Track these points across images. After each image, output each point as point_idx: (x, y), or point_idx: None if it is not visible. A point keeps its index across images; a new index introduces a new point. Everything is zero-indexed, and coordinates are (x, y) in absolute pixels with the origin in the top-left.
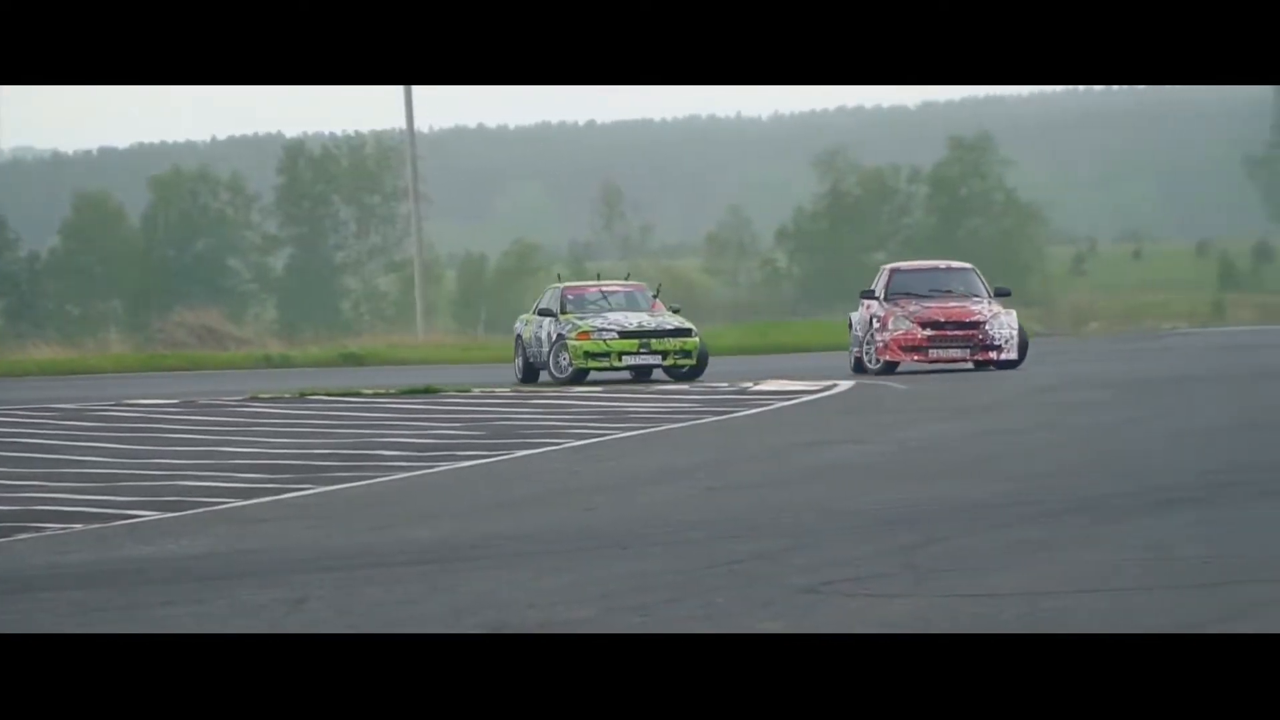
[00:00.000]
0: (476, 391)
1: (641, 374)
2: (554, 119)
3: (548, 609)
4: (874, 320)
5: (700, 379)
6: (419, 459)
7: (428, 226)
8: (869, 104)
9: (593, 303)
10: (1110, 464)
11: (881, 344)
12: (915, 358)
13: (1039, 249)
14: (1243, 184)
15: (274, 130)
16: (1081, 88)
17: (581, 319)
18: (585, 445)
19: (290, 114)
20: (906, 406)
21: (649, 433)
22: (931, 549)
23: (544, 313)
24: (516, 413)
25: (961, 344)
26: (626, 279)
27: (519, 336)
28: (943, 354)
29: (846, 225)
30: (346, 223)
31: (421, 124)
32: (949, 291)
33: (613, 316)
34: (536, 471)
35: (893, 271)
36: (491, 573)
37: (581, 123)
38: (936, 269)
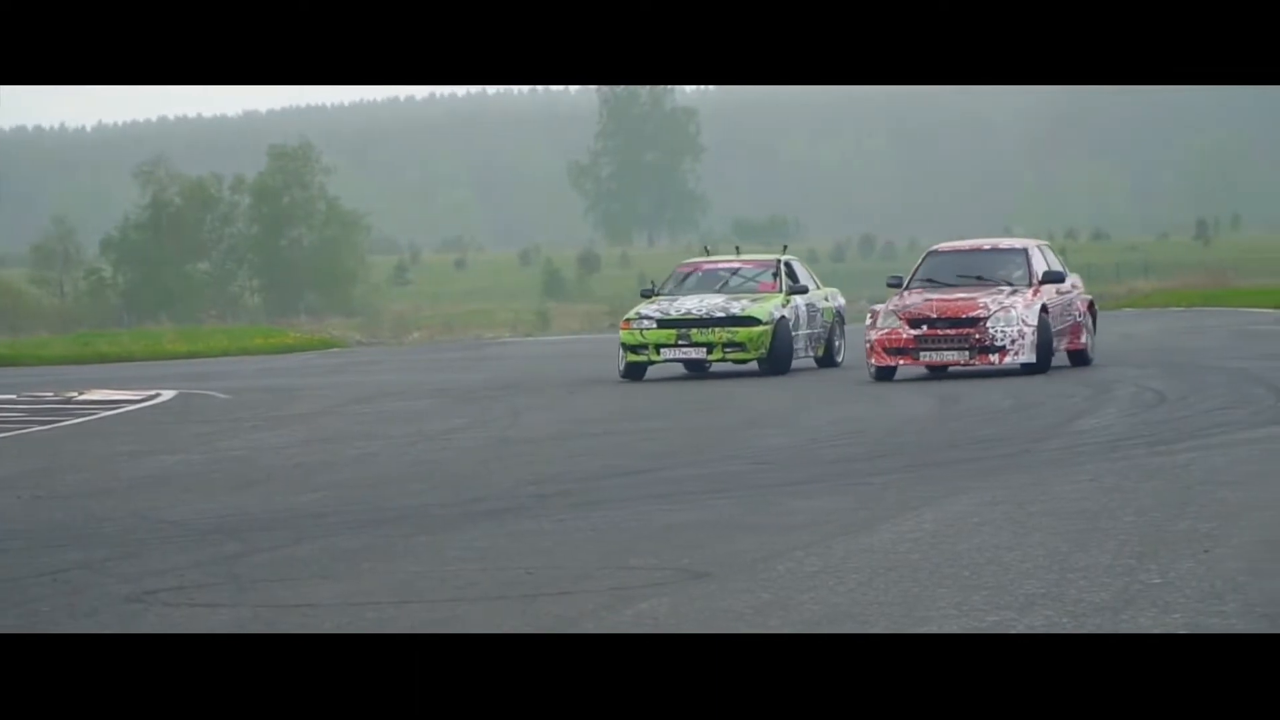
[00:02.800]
0: None
1: (695, 368)
2: None
3: None
4: (869, 316)
5: (784, 372)
6: None
7: None
8: (191, 114)
9: (700, 282)
10: (432, 474)
11: (868, 346)
12: (903, 361)
13: (361, 258)
14: (567, 192)
15: None
16: (402, 97)
17: (652, 303)
18: None
19: None
20: (227, 416)
21: None
22: (253, 559)
23: (647, 294)
24: None
25: (957, 345)
26: (784, 251)
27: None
28: (936, 357)
29: (170, 235)
30: None
31: None
32: (980, 279)
33: (682, 301)
34: None
35: (929, 254)
36: None
37: None
38: (979, 250)
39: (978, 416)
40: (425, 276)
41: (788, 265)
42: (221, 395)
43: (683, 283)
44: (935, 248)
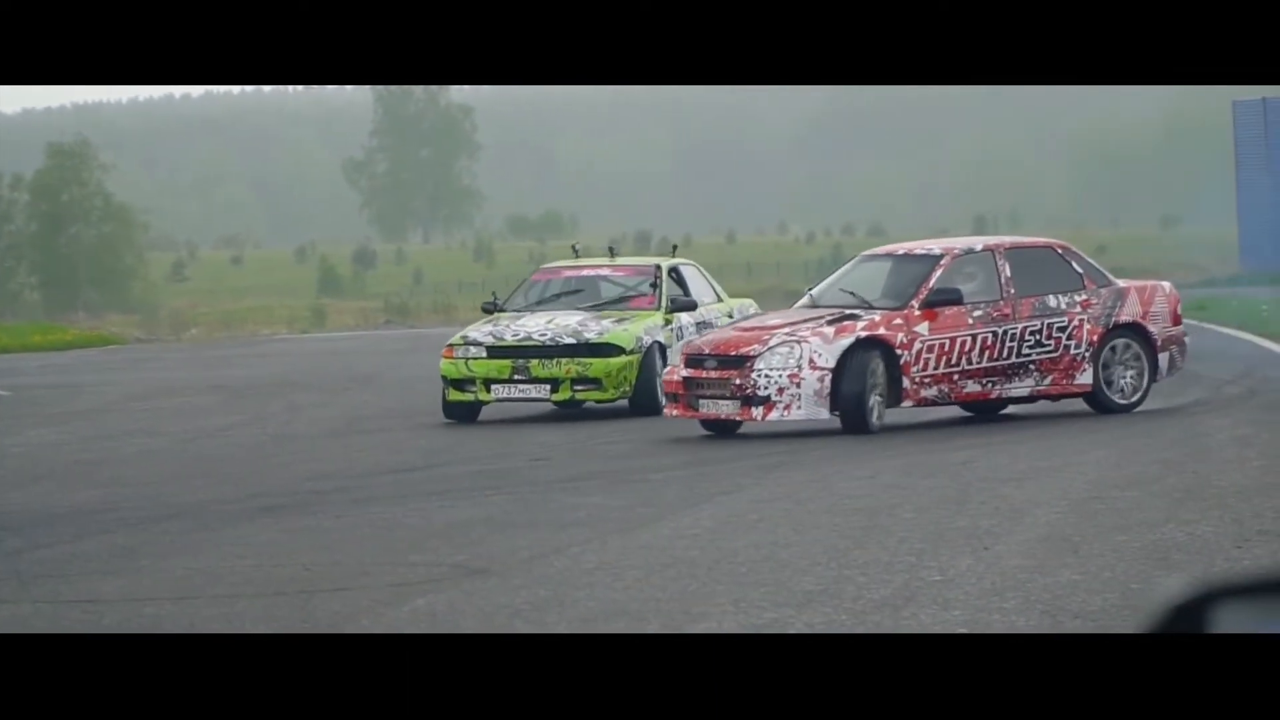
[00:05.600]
0: None
1: (569, 406)
2: None
3: None
4: None
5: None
6: None
7: None
8: None
9: (558, 295)
10: (210, 470)
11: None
12: (676, 411)
13: (140, 254)
14: (343, 188)
15: None
16: (179, 95)
17: (489, 323)
18: None
19: None
20: (7, 412)
21: None
22: (36, 555)
23: (489, 309)
24: None
25: (723, 391)
26: (673, 253)
27: None
28: (711, 407)
29: None
30: None
31: None
32: (854, 295)
33: (527, 321)
34: None
35: (860, 259)
36: None
37: None
38: (893, 255)
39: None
40: (202, 273)
41: (674, 272)
42: (1, 392)
43: (535, 295)
44: (869, 252)
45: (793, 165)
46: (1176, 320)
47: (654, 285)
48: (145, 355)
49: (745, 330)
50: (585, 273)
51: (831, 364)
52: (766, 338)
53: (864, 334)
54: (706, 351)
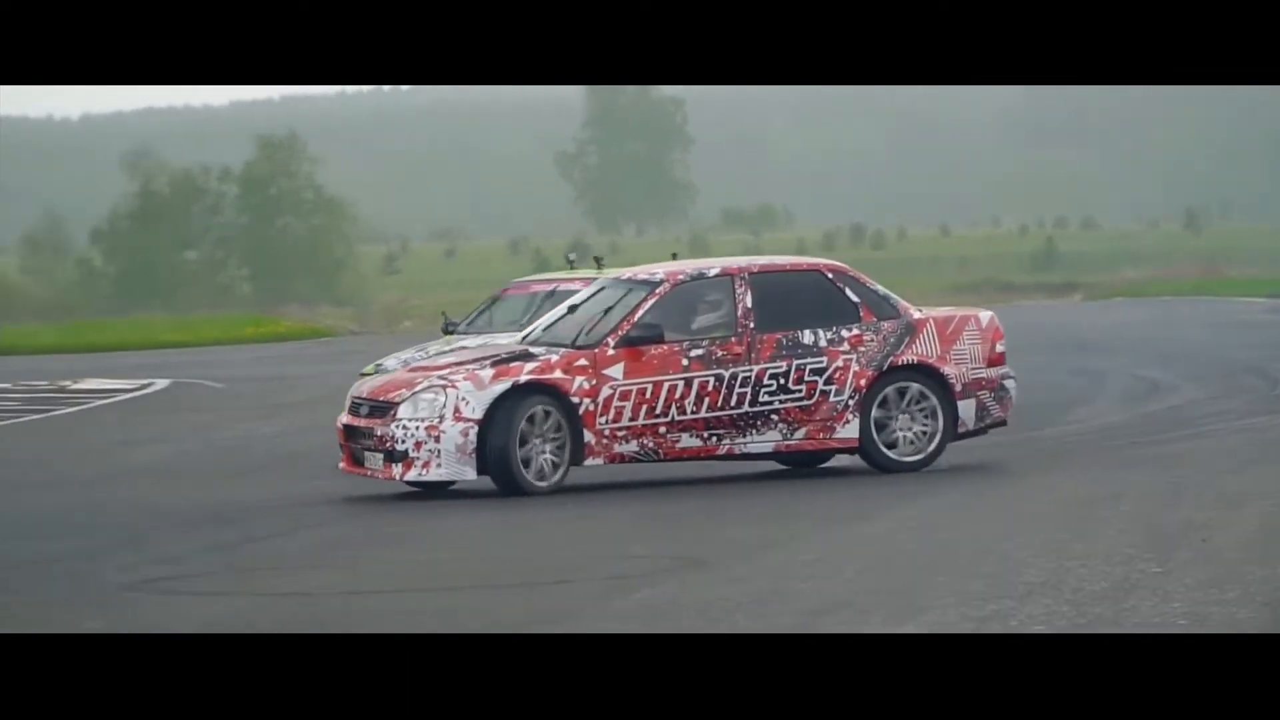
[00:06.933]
0: None
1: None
2: None
3: None
4: None
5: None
6: None
7: None
8: (179, 104)
9: (518, 313)
10: None
11: None
12: (341, 464)
13: (350, 248)
14: (555, 181)
15: None
16: (387, 88)
17: (427, 349)
18: None
19: None
20: (221, 404)
21: None
22: (251, 547)
23: (450, 330)
24: None
25: (370, 443)
26: (672, 256)
27: None
28: (369, 461)
29: (158, 225)
30: None
31: None
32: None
33: (460, 345)
34: None
35: (596, 288)
36: None
37: None
38: (619, 280)
39: None
40: (415, 266)
41: None
42: (215, 384)
43: (503, 314)
44: (612, 273)
45: (1001, 157)
46: (995, 359)
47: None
48: (358, 347)
49: (415, 369)
50: (560, 287)
51: (479, 414)
52: (418, 380)
53: (529, 378)
54: (364, 395)
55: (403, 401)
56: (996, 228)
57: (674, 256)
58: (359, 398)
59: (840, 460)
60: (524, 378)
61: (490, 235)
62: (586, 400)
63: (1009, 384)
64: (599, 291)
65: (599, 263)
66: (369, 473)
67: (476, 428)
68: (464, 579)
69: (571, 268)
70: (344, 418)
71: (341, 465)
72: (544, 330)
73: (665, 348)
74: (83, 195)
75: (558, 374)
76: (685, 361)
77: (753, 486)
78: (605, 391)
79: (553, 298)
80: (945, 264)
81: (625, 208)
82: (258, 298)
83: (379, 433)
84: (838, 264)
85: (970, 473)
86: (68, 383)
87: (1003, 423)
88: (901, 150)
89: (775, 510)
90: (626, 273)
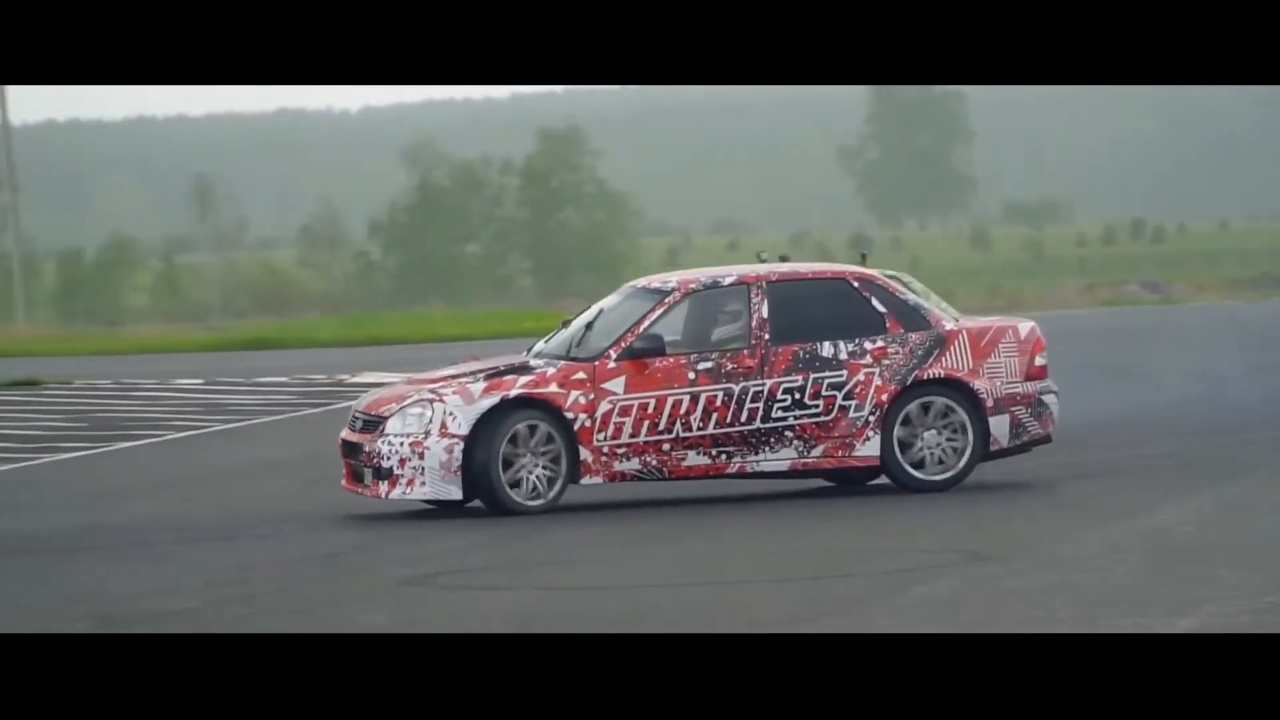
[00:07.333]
0: (78, 383)
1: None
2: (147, 113)
3: (154, 599)
4: None
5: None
6: (20, 451)
7: (24, 219)
8: (459, 96)
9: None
10: None
11: None
12: (345, 482)
13: (632, 240)
14: (836, 174)
15: None
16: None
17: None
18: (186, 438)
19: None
20: None
21: (248, 425)
22: (529, 542)
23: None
24: (118, 405)
25: (362, 459)
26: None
27: None
28: (367, 479)
29: (438, 217)
30: None
31: (13, 117)
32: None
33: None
34: (137, 463)
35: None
36: (93, 564)
37: (173, 115)
38: (635, 288)
39: None
40: (697, 259)
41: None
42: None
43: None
44: (637, 282)
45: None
46: (1035, 373)
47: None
48: None
49: (412, 382)
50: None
51: (465, 430)
52: (409, 394)
53: (520, 392)
54: (361, 409)
55: (391, 416)
56: (1277, 221)
57: (863, 257)
58: (357, 411)
59: (1115, 456)
60: (514, 392)
61: (772, 229)
62: (583, 416)
63: (1049, 399)
64: (624, 300)
65: (784, 261)
66: (362, 490)
67: (462, 444)
68: (753, 572)
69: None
70: (344, 432)
71: (343, 482)
72: (556, 341)
73: (671, 360)
74: (361, 188)
75: (553, 388)
76: (692, 375)
77: (1033, 481)
78: (604, 406)
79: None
80: (1226, 258)
81: (907, 202)
82: (538, 291)
83: (367, 448)
84: (866, 272)
85: (1247, 468)
86: (345, 377)
87: (1045, 440)
88: (1181, 143)
89: (1057, 505)
90: (641, 282)
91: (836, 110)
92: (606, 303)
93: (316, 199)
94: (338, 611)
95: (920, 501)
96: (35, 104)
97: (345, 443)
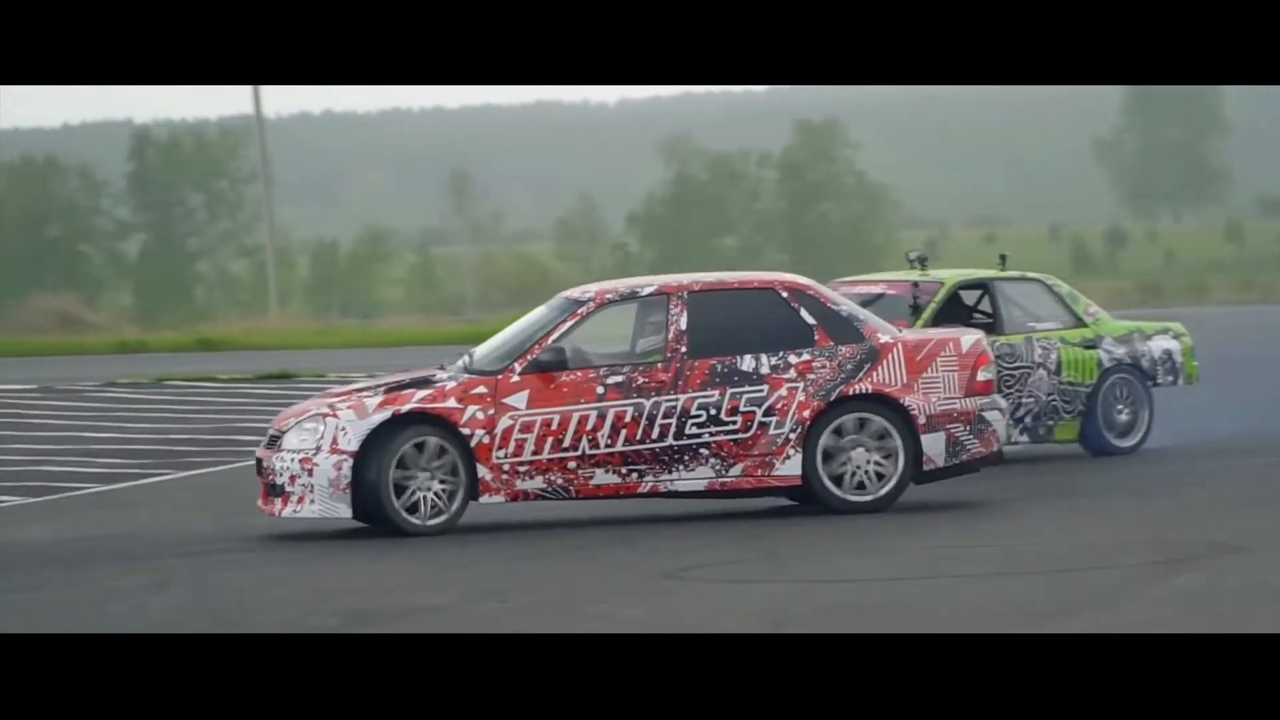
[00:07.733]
0: (332, 377)
1: None
2: (401, 105)
3: (408, 595)
4: None
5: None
6: None
7: (277, 212)
8: (716, 89)
9: None
10: None
11: None
12: (260, 501)
13: (891, 233)
14: (1091, 168)
15: (123, 117)
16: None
17: None
18: None
19: (138, 100)
20: None
21: None
22: (783, 535)
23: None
24: None
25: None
26: (1003, 262)
27: None
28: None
29: (695, 210)
30: (194, 209)
31: (268, 110)
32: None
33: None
34: None
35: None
36: (349, 557)
37: (429, 108)
38: (565, 298)
39: None
40: (954, 252)
41: (984, 289)
42: None
43: None
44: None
45: None
46: (977, 389)
47: (914, 308)
48: None
49: (325, 396)
50: (859, 289)
51: (354, 446)
52: (310, 408)
53: (413, 407)
54: (272, 425)
55: (288, 430)
56: None
57: (1002, 258)
58: (272, 426)
59: None
60: (408, 407)
61: (1029, 221)
62: (480, 432)
63: (992, 415)
64: (547, 310)
65: (922, 264)
66: (262, 508)
67: (351, 461)
68: (990, 566)
69: (920, 267)
70: (259, 448)
71: (259, 504)
72: (480, 351)
73: (580, 374)
74: (618, 180)
75: (450, 403)
76: (601, 390)
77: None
78: (504, 422)
79: (879, 301)
80: None
81: (1163, 194)
82: None
83: (265, 464)
84: (799, 281)
85: None
86: None
87: (989, 460)
88: None
89: None
90: (569, 291)
91: (1092, 102)
92: (535, 313)
93: (573, 191)
94: (593, 606)
95: (1167, 498)
96: (289, 97)
97: (257, 460)
